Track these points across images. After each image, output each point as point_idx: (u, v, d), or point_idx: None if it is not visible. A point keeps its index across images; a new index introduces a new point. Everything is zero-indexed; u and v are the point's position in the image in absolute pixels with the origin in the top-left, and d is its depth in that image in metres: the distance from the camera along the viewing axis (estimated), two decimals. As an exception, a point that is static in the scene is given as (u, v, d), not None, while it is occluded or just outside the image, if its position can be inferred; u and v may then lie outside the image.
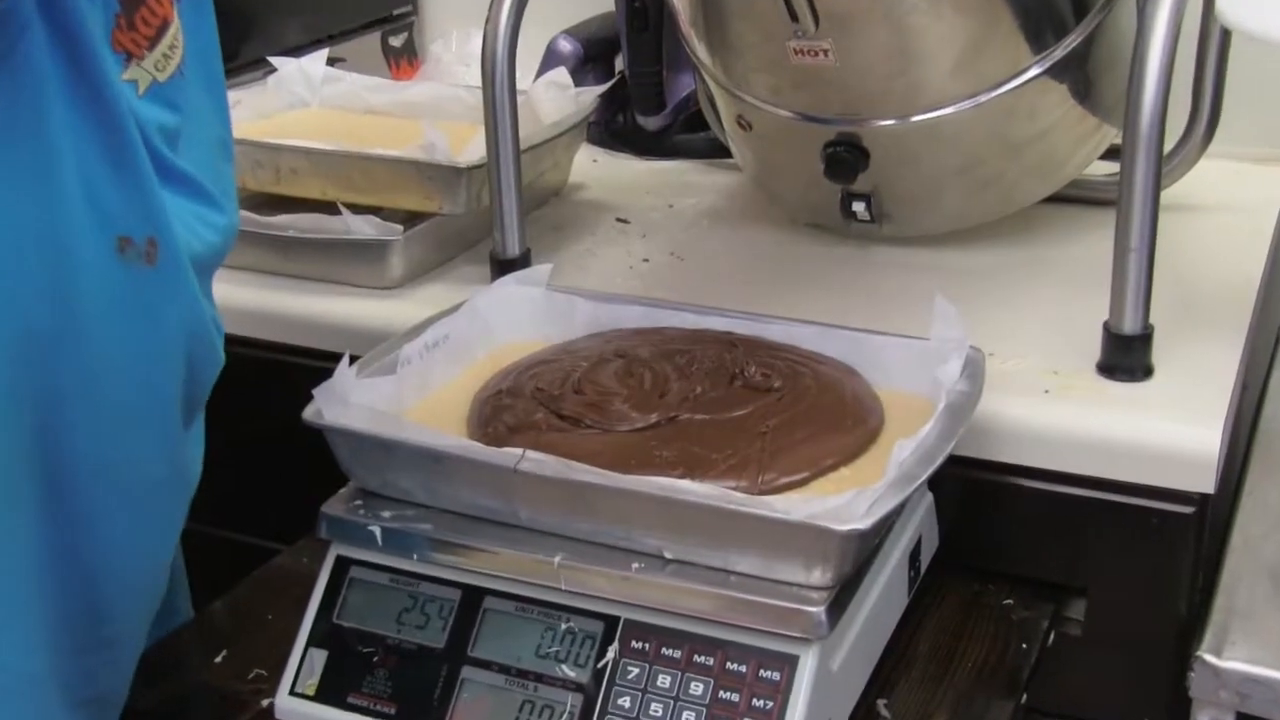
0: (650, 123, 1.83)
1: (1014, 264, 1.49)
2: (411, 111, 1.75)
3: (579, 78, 1.78)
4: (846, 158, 1.39)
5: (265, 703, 1.11)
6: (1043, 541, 1.23)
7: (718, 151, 1.77)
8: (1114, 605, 1.22)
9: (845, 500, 0.96)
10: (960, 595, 1.23)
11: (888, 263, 1.51)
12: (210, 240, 1.02)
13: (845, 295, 1.43)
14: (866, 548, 1.03)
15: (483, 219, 1.48)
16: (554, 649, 1.02)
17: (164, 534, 1.08)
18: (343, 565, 1.09)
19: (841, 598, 0.98)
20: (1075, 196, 1.57)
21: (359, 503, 1.09)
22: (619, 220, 1.67)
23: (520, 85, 1.43)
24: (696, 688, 0.99)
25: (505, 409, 1.13)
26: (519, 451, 1.02)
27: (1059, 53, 1.37)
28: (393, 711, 1.04)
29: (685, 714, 0.98)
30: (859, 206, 1.46)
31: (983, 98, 1.36)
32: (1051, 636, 1.21)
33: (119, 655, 1.06)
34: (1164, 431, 1.17)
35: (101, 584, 1.00)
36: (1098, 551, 1.21)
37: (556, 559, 1.02)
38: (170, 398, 1.02)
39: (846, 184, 1.43)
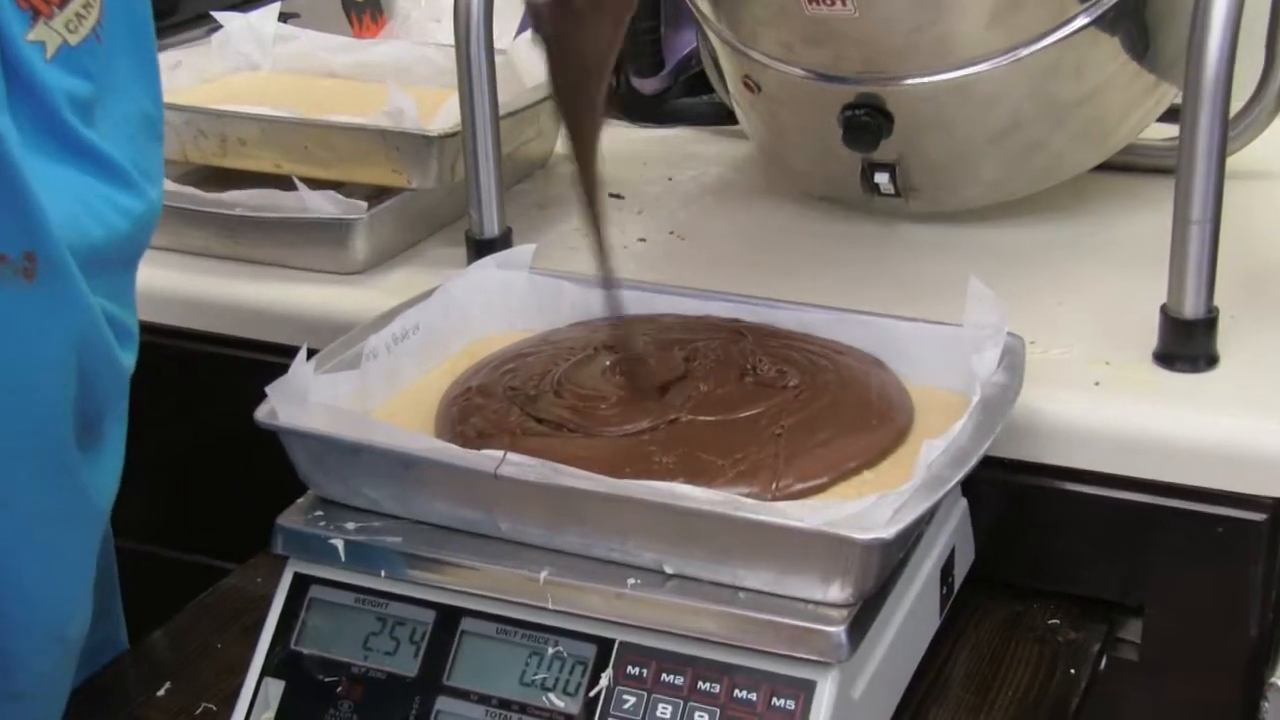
0: (647, 85, 1.84)
1: (1059, 241, 1.50)
2: (376, 74, 1.76)
3: (566, 34, 1.79)
4: (868, 122, 1.40)
5: (214, 740, 1.12)
6: (1093, 554, 1.24)
7: (722, 117, 1.78)
8: (1175, 626, 1.23)
9: (866, 506, 0.97)
10: (999, 614, 1.24)
11: (915, 242, 1.52)
12: (118, 227, 1.00)
13: (866, 278, 1.44)
14: (891, 560, 1.04)
15: (457, 195, 1.49)
16: (540, 676, 1.03)
17: (71, 572, 1.07)
18: (301, 584, 1.10)
19: (864, 616, 0.99)
20: (1129, 164, 1.58)
21: (319, 514, 1.10)
22: (611, 195, 1.68)
23: (499, 43, 1.44)
24: (701, 718, 1.00)
25: (475, 410, 1.14)
26: (500, 454, 1.03)
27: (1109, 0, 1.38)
28: (359, 749, 1.06)
29: (689, 748, 1.00)
30: (882, 178, 1.47)
31: (1023, 52, 1.37)
32: (1104, 661, 1.21)
33: (32, 708, 1.06)
34: (1230, 428, 1.18)
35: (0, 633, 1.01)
36: (1156, 565, 1.22)
37: (542, 575, 1.03)
38: (57, 421, 1.01)
39: (868, 152, 1.44)
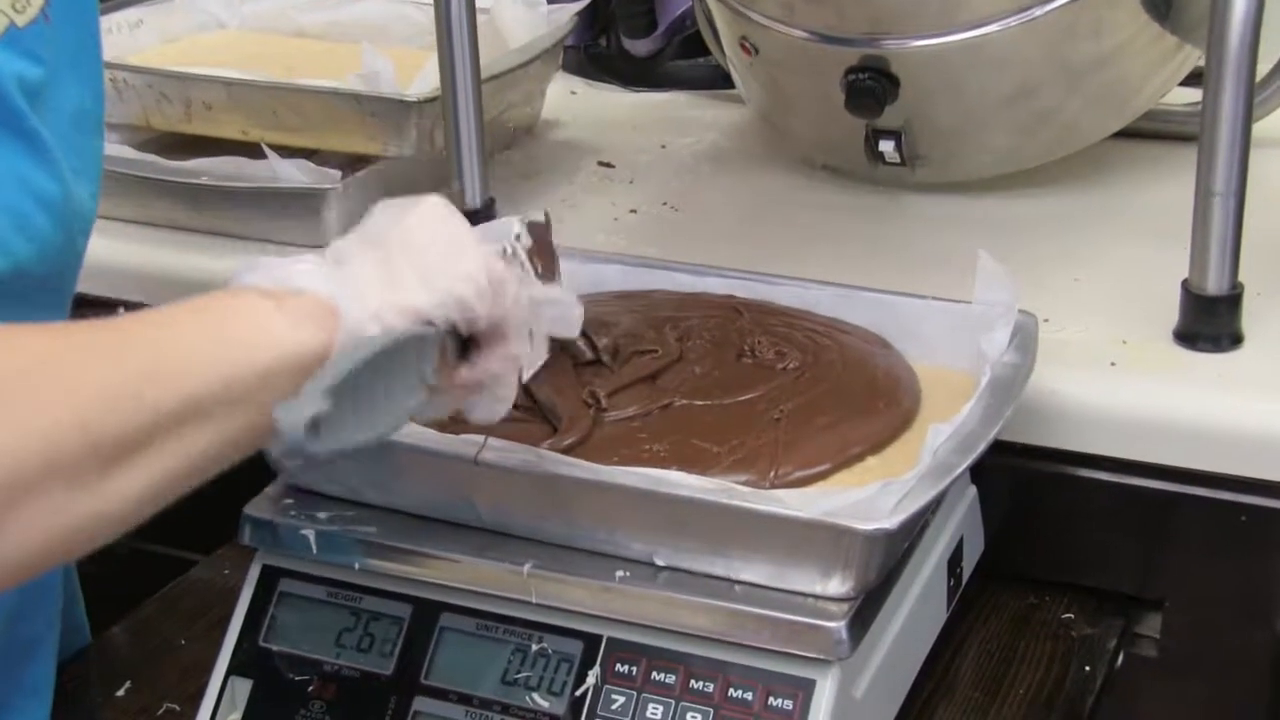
0: (638, 46, 1.84)
1: (1074, 213, 1.50)
2: (350, 34, 1.76)
3: (552, -8, 1.79)
4: (872, 86, 1.40)
5: (178, 743, 1.12)
6: (1109, 544, 1.24)
7: (719, 81, 1.77)
8: (1196, 620, 1.23)
9: (869, 494, 0.97)
10: (1010, 609, 1.24)
11: (921, 214, 1.52)
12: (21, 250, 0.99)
13: (871, 253, 1.44)
14: (895, 551, 1.04)
15: (437, 163, 1.49)
16: (523, 674, 1.03)
17: None
18: (270, 577, 1.10)
19: (866, 611, 0.99)
20: (1150, 131, 1.58)
21: (289, 502, 1.10)
22: (601, 164, 1.68)
23: (481, 1, 1.43)
24: (694, 719, 1.00)
25: None
26: (480, 439, 1.03)
27: (1128, -44, 1.39)
28: (331, 751, 1.06)
29: (681, 751, 1.00)
30: (887, 146, 1.47)
31: (1037, 11, 1.37)
32: (1120, 658, 1.22)
33: None
34: (1255, 411, 1.18)
35: None
36: (1176, 556, 1.22)
37: (526, 567, 1.03)
38: None
39: (872, 118, 1.44)
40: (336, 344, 0.87)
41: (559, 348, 1.14)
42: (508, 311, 0.93)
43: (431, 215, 0.95)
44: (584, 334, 1.16)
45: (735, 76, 1.62)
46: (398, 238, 0.92)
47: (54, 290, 1.02)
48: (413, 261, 0.91)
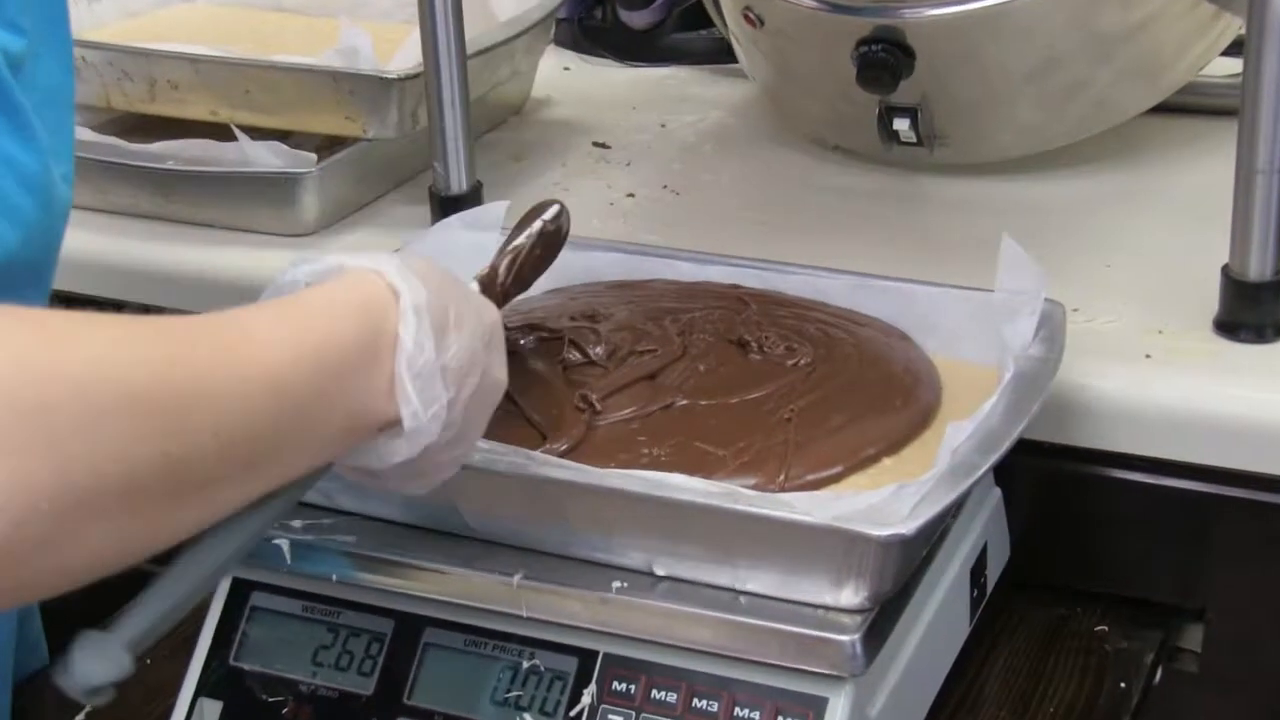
0: (636, 18, 1.84)
1: (1105, 195, 1.50)
2: (326, 7, 1.76)
3: (544, -40, 1.79)
4: (885, 59, 1.40)
5: (143, 770, 1.13)
6: (1145, 550, 1.24)
7: (722, 55, 1.77)
8: (1240, 632, 1.23)
9: (883, 497, 0.97)
10: (1039, 620, 1.24)
11: (940, 198, 1.52)
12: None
13: (886, 239, 1.44)
14: (913, 559, 1.04)
15: (420, 145, 1.49)
16: (514, 693, 1.04)
17: None
18: (241, 591, 1.10)
19: (881, 624, 1.00)
20: (1187, 105, 1.58)
21: (261, 510, 1.10)
22: (597, 145, 1.68)
23: (466, -29, 1.44)
24: (697, 741, 1.00)
25: None
26: (466, 440, 1.03)
27: (1162, -83, 1.39)
28: (308, 778, 1.06)
29: (683, 775, 1.00)
30: (902, 124, 1.47)
31: (1062, -23, 1.38)
32: (1159, 673, 1.22)
33: None
34: (1301, 407, 1.18)
35: None
36: (1218, 563, 1.22)
37: (516, 578, 1.03)
38: None
39: (885, 94, 1.44)
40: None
41: (543, 350, 1.15)
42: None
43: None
44: (572, 341, 1.16)
45: (738, 50, 1.62)
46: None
47: (36, 281, 1.02)
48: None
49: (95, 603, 1.28)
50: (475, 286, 1.05)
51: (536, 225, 1.13)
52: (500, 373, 0.97)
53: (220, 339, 0.83)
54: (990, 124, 1.49)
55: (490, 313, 0.98)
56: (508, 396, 1.06)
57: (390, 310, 0.89)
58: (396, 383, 0.88)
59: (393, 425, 0.89)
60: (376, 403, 0.88)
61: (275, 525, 0.90)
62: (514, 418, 1.09)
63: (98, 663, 0.78)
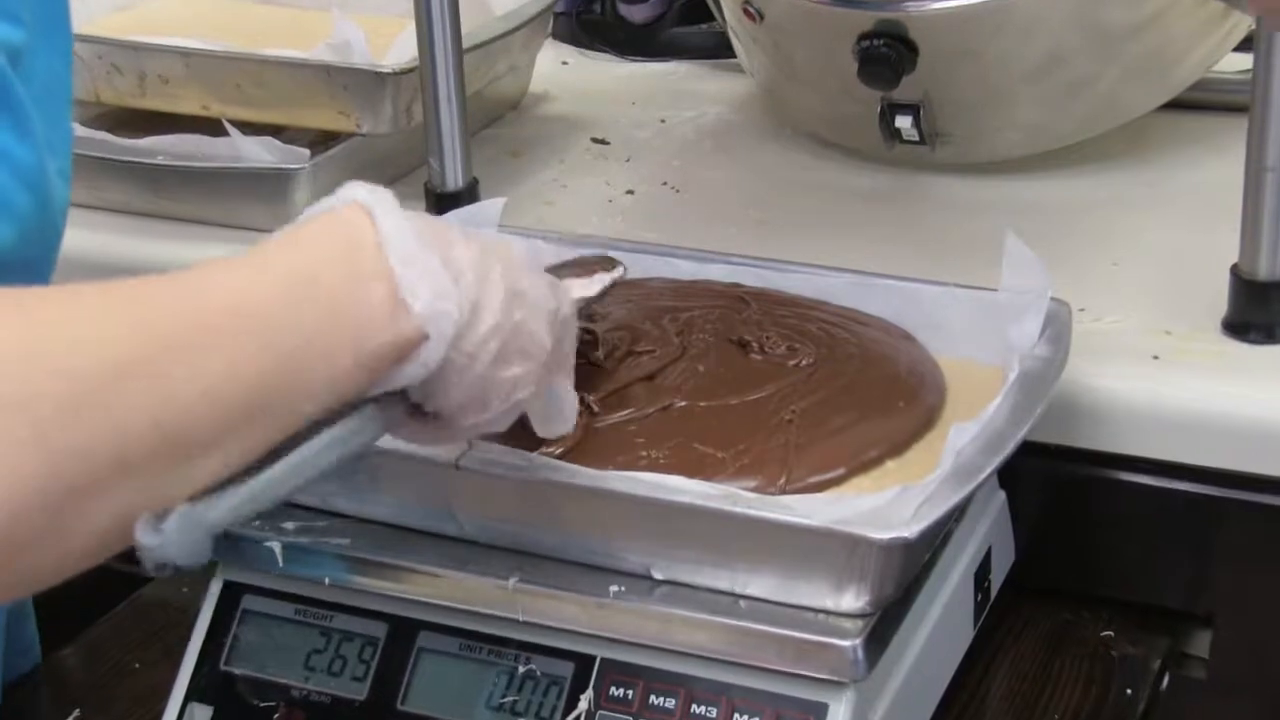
0: (635, 12, 1.84)
1: (1111, 192, 1.50)
2: (319, 0, 1.76)
3: (541, -47, 1.79)
4: (887, 54, 1.40)
5: (132, 776, 1.13)
6: (1153, 555, 1.24)
7: (723, 49, 1.77)
8: (1248, 638, 1.24)
9: (886, 500, 0.97)
10: (1044, 625, 1.24)
11: (943, 197, 1.52)
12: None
13: (887, 237, 1.44)
14: (915, 562, 1.04)
15: (415, 141, 1.49)
16: (509, 699, 1.04)
17: None
18: (233, 594, 1.11)
19: (883, 628, 1.00)
20: (1197, 101, 1.58)
21: (253, 512, 1.10)
22: (595, 141, 1.68)
23: (463, -38, 1.44)
24: (696, 747, 1.01)
25: None
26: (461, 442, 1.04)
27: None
28: (300, 784, 1.07)
29: (682, 781, 1.01)
30: (904, 122, 1.47)
31: (1068, -29, 1.38)
32: (1166, 679, 1.22)
33: None
34: (1311, 409, 1.18)
35: None
36: (1227, 567, 1.22)
37: (511, 581, 1.03)
38: None
39: (887, 90, 1.44)
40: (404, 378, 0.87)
41: None
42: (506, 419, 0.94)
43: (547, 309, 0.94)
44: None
45: (737, 46, 1.62)
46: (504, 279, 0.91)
47: (33, 280, 1.02)
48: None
49: (89, 602, 1.29)
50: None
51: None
52: (541, 286, 0.94)
53: (195, 300, 0.82)
54: (994, 122, 1.49)
55: (511, 240, 0.95)
56: None
57: (367, 227, 0.87)
58: (395, 280, 0.85)
59: (410, 337, 0.86)
60: (378, 320, 0.85)
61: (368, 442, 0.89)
62: None
63: (182, 542, 0.78)
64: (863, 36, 1.41)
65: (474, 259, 0.89)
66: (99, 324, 0.77)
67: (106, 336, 0.77)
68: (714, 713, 1.00)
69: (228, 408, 0.79)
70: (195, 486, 0.80)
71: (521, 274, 0.92)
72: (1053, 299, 1.16)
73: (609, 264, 1.15)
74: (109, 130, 1.54)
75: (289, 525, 1.09)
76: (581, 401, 1.10)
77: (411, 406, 0.90)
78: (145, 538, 0.77)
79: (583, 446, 1.08)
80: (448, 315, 0.86)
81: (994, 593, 1.20)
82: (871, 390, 1.14)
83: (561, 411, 0.99)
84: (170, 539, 0.78)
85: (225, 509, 0.81)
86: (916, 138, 1.47)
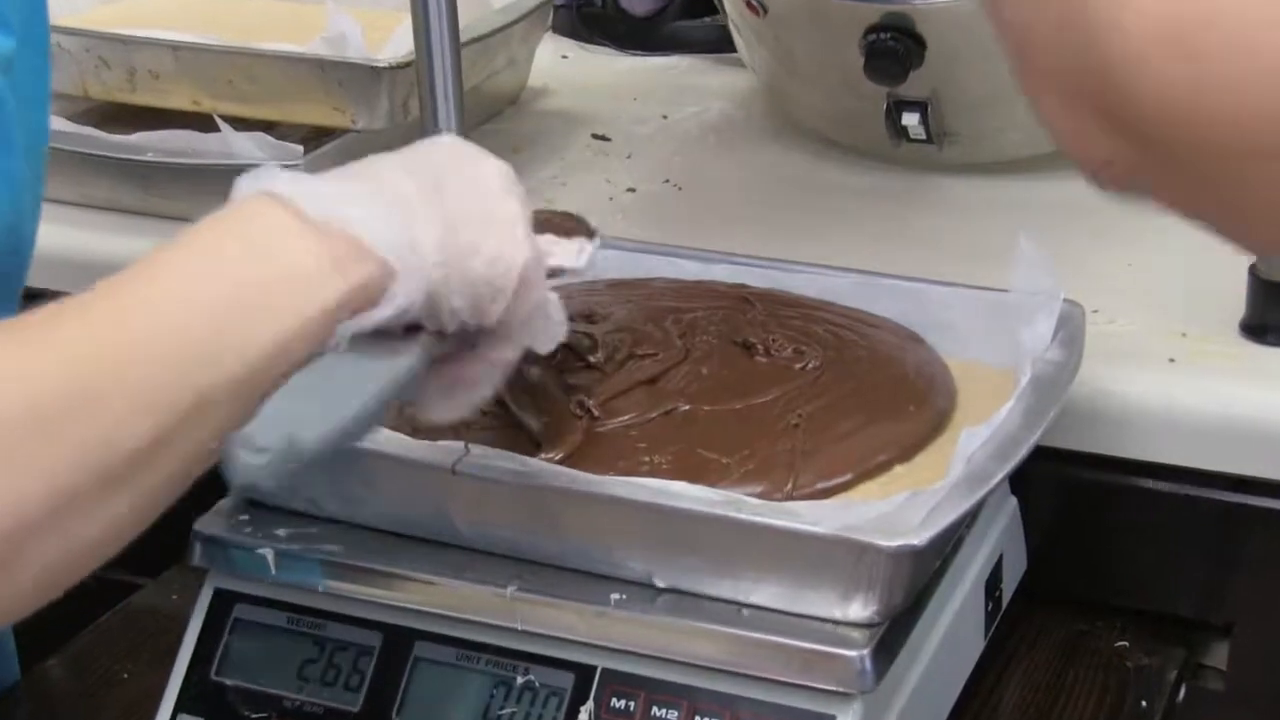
0: (637, 5, 1.84)
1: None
2: (313, -8, 1.76)
3: (541, -56, 1.79)
4: (894, 48, 1.40)
5: (120, 790, 1.13)
6: (1169, 563, 1.24)
7: (727, 43, 1.77)
8: (1267, 649, 1.24)
9: (894, 506, 0.97)
10: (1057, 635, 1.25)
11: (951, 197, 1.52)
12: None
13: (895, 236, 1.44)
14: (925, 570, 1.04)
15: (410, 137, 1.48)
16: (507, 710, 1.04)
17: None
18: (224, 602, 1.10)
19: (892, 638, 1.00)
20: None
21: (245, 517, 1.10)
22: (596, 137, 1.68)
23: (460, -46, 1.44)
24: (699, 760, 1.00)
25: None
26: (459, 445, 1.03)
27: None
28: (293, 798, 1.07)
29: (684, 796, 1.00)
30: (911, 120, 1.47)
31: (1082, -35, 1.37)
32: (1182, 691, 1.22)
33: None
34: (1332, 413, 1.18)
35: None
36: (1245, 576, 1.22)
37: (510, 589, 1.03)
38: None
39: (894, 85, 1.44)
40: (378, 318, 0.85)
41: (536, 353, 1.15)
42: (524, 311, 0.92)
43: (498, 183, 0.93)
44: (566, 345, 1.16)
45: (739, 41, 1.62)
46: (460, 194, 0.90)
47: (4, 281, 1.02)
48: (472, 233, 0.89)
49: (73, 611, 1.29)
50: None
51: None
52: (484, 162, 0.93)
53: (113, 317, 0.81)
54: (1004, 121, 1.49)
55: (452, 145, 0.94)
56: (499, 403, 1.06)
57: (270, 205, 0.86)
58: (315, 225, 0.84)
59: (367, 278, 0.85)
60: (315, 277, 0.84)
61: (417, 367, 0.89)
62: (506, 425, 1.09)
63: (279, 467, 0.80)
64: (869, 30, 1.41)
65: (402, 177, 0.89)
66: (22, 360, 0.77)
67: (37, 372, 0.77)
68: (718, 725, 1.00)
69: (174, 414, 0.79)
70: (142, 501, 0.80)
71: (463, 164, 0.92)
72: (1065, 300, 1.16)
73: (583, 226, 1.10)
74: (97, 125, 1.54)
75: (281, 532, 1.09)
76: (582, 406, 1.11)
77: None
78: (248, 457, 0.78)
79: (583, 452, 1.08)
80: (403, 243, 0.86)
81: (1005, 601, 1.20)
82: (880, 394, 1.14)
83: (550, 318, 0.97)
84: (272, 461, 0.79)
85: (322, 438, 0.83)
86: (924, 136, 1.48)
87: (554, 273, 0.99)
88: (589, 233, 1.07)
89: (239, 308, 0.82)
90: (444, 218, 0.88)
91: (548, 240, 1.00)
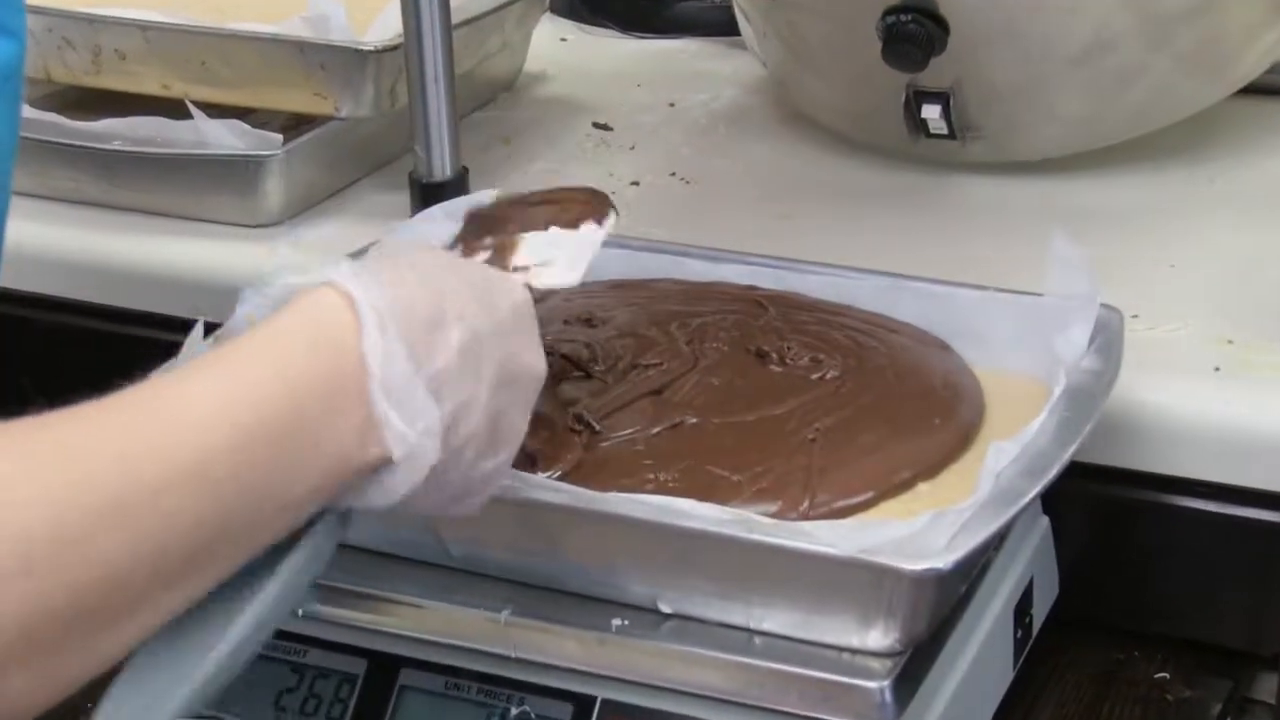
0: (642, -16, 1.85)
1: (1166, 187, 1.51)
2: (294, -31, 1.76)
3: (538, -82, 1.80)
4: (915, 31, 1.40)
5: (84, 828, 1.13)
6: (1213, 588, 1.24)
7: (737, 26, 1.78)
8: (1317, 682, 1.24)
9: (917, 527, 0.97)
10: (1091, 665, 1.25)
11: (973, 198, 1.52)
12: None
13: (918, 235, 1.44)
14: (950, 596, 1.04)
15: (398, 126, 1.49)
16: (500, 743, 1.04)
17: None
18: (195, 626, 1.11)
19: (914, 668, 1.00)
20: (1267, 85, 1.57)
21: (218, 535, 1.10)
22: (597, 126, 1.69)
23: (452, -71, 1.44)
24: (706, 799, 1.01)
25: None
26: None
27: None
28: (269, 837, 1.07)
29: (690, 837, 1.00)
30: (932, 112, 1.46)
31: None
32: (1227, 725, 1.22)
33: None
34: (1387, 427, 1.19)
35: None
36: (1293, 603, 1.23)
37: (504, 614, 1.04)
38: None
39: (914, 72, 1.44)
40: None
41: None
42: None
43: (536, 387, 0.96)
44: (563, 355, 1.16)
45: (746, 29, 1.63)
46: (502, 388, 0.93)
47: None
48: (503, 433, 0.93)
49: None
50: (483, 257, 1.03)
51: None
52: (531, 355, 0.94)
53: (133, 448, 0.80)
54: (1033, 114, 1.49)
55: (507, 291, 0.95)
56: None
57: (349, 330, 0.86)
58: (373, 408, 0.85)
59: (382, 460, 0.86)
60: (347, 444, 0.85)
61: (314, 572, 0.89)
62: None
63: None
64: (888, 11, 1.41)
65: (458, 361, 0.89)
66: (20, 486, 0.76)
67: (24, 499, 0.76)
68: (727, 761, 1.01)
69: (160, 565, 0.79)
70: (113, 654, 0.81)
71: (509, 343, 0.93)
72: (1103, 305, 1.17)
73: (598, 203, 1.10)
74: (60, 111, 1.54)
75: (258, 550, 1.09)
76: (580, 419, 1.10)
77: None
78: None
79: (584, 468, 1.08)
80: (428, 453, 0.88)
81: (1036, 629, 1.20)
82: (903, 406, 1.14)
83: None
84: None
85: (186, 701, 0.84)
86: (945, 131, 1.47)
87: (542, 296, 1.00)
88: (601, 212, 1.08)
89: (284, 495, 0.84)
90: (488, 411, 0.91)
91: (544, 243, 1.01)
